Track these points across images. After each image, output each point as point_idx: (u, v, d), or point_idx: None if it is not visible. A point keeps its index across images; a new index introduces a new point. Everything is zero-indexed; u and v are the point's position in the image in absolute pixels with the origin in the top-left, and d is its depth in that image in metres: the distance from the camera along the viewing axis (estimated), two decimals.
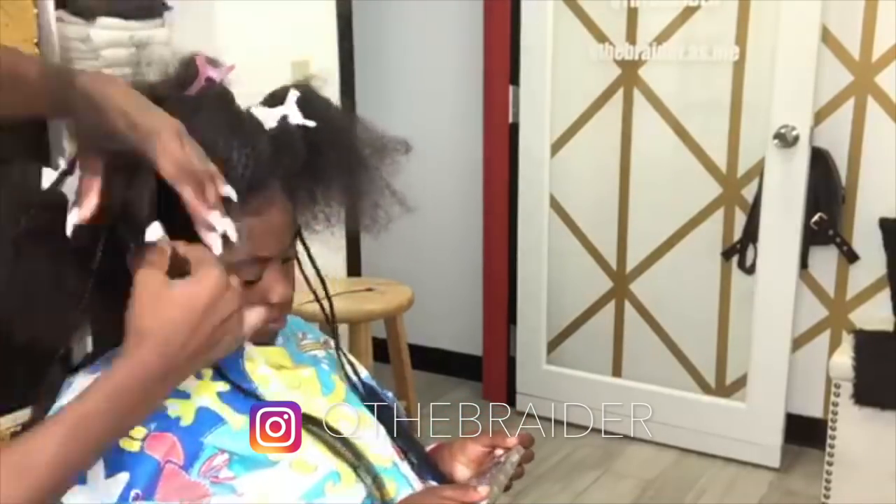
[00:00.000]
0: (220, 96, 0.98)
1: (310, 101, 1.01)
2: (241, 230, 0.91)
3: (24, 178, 0.93)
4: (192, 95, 0.97)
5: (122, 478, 0.88)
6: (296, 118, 0.99)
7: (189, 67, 0.98)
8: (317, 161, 1.00)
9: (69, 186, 0.90)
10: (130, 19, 2.26)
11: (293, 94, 1.00)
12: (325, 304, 1.13)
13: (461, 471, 1.11)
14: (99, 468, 0.87)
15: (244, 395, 0.97)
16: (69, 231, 0.88)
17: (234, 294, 0.87)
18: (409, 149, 1.06)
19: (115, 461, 0.88)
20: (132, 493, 0.87)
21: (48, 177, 0.91)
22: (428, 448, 1.15)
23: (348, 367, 1.13)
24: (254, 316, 0.92)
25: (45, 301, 0.91)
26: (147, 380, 0.83)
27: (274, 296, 0.99)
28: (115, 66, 2.20)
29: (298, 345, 1.12)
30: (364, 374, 1.16)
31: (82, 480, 0.87)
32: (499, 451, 1.09)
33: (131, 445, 0.89)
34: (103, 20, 2.18)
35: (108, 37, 2.19)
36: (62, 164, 0.93)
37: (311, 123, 0.99)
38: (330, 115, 1.02)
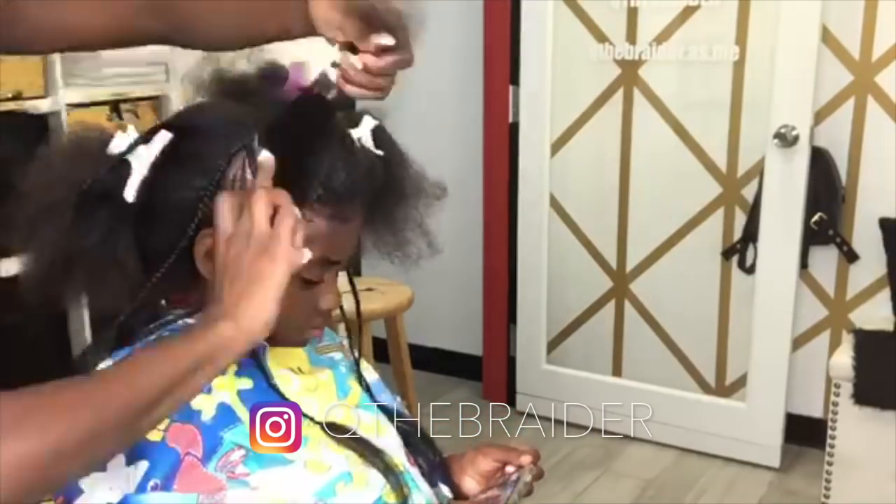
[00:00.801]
0: (323, 102, 0.99)
1: (382, 130, 1.03)
2: (326, 232, 0.95)
3: (85, 144, 0.95)
4: (294, 98, 0.98)
5: (142, 466, 0.88)
6: (367, 143, 1.00)
7: (276, 71, 1.01)
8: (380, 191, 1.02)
9: (138, 155, 0.91)
10: None
11: (369, 121, 1.02)
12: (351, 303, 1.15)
13: (469, 484, 1.11)
14: (120, 456, 0.87)
15: (274, 391, 0.98)
16: (130, 196, 0.90)
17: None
18: (445, 194, 1.08)
19: (136, 449, 0.88)
20: (150, 483, 0.87)
21: (120, 142, 0.93)
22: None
23: (363, 371, 1.14)
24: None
25: (97, 263, 0.92)
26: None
27: (325, 302, 1.01)
28: (115, 65, 2.20)
29: (316, 347, 1.12)
30: (372, 378, 1.16)
31: (103, 468, 0.87)
32: (509, 469, 1.09)
33: (153, 435, 0.88)
34: None
35: None
36: (132, 131, 0.94)
37: (379, 152, 1.01)
38: (394, 150, 1.04)
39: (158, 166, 0.91)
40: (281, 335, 1.00)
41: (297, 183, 0.91)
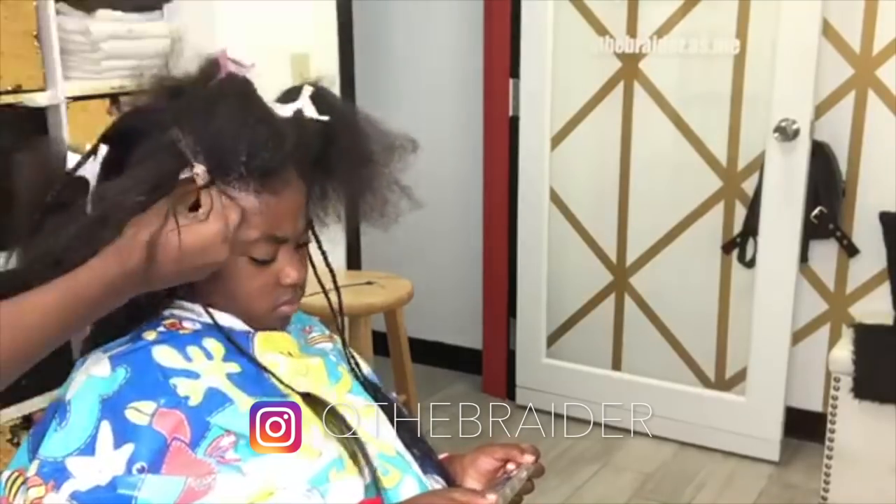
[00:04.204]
0: (242, 84, 1.01)
1: (323, 96, 1.04)
2: (259, 208, 0.98)
3: (47, 159, 1.00)
4: (214, 85, 1.00)
5: (127, 449, 0.89)
6: (310, 112, 1.02)
7: (212, 64, 1.02)
8: (329, 155, 1.04)
9: (89, 169, 0.97)
10: (130, 12, 2.26)
11: (307, 90, 1.04)
12: (333, 296, 1.16)
13: (471, 485, 1.11)
14: (108, 440, 0.89)
15: (263, 371, 1.00)
16: (88, 208, 0.95)
17: (226, 250, 0.94)
18: (416, 147, 1.09)
19: (123, 433, 0.90)
20: (136, 466, 0.89)
21: (72, 159, 0.98)
22: (441, 456, 1.16)
23: (354, 361, 1.15)
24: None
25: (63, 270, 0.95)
26: (125, 285, 0.93)
27: (286, 278, 1.03)
28: (114, 58, 2.19)
29: (306, 338, 1.14)
30: (366, 370, 1.17)
31: (91, 451, 0.89)
32: (510, 466, 1.09)
33: (140, 419, 0.90)
34: (102, 13, 2.18)
35: (108, 29, 2.18)
36: (87, 147, 0.99)
37: (324, 118, 1.02)
38: (342, 111, 1.05)
39: (103, 177, 0.97)
40: (254, 316, 1.04)
41: (219, 163, 0.95)
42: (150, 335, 0.99)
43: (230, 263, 0.98)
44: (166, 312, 1.03)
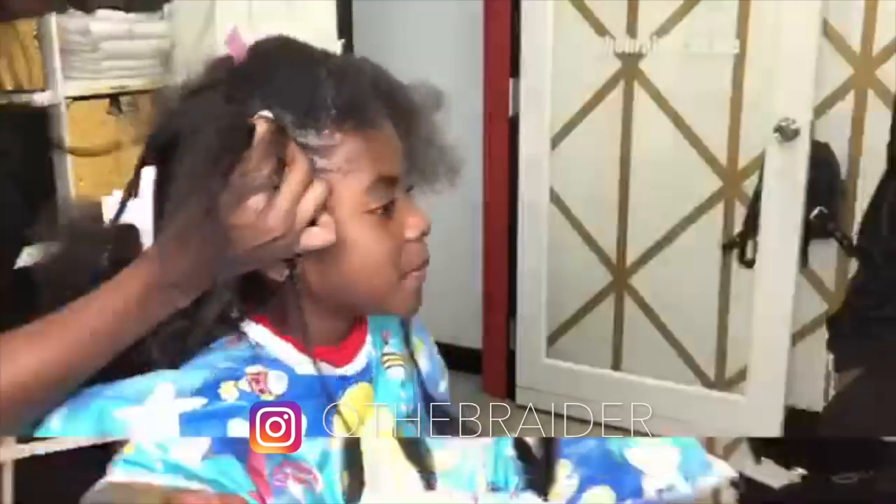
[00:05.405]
0: (285, 41, 0.91)
1: (349, 51, 0.99)
2: (364, 147, 0.86)
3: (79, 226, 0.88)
4: (252, 57, 0.88)
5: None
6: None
7: (227, 57, 0.91)
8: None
9: (134, 211, 0.84)
10: (130, 12, 2.26)
11: (337, 45, 0.99)
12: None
13: None
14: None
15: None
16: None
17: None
18: (442, 100, 1.00)
19: None
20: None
21: (109, 206, 0.86)
22: None
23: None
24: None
25: None
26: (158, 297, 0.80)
27: (411, 230, 0.91)
28: (114, 58, 2.20)
29: (381, 353, 1.04)
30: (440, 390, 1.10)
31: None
32: None
33: None
34: (102, 12, 2.19)
35: (108, 29, 2.19)
36: (115, 193, 0.87)
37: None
38: (378, 68, 0.98)
39: (157, 204, 0.84)
40: (380, 297, 0.94)
41: (307, 112, 0.84)
42: (229, 392, 0.86)
43: (343, 233, 0.84)
44: (247, 345, 0.89)
